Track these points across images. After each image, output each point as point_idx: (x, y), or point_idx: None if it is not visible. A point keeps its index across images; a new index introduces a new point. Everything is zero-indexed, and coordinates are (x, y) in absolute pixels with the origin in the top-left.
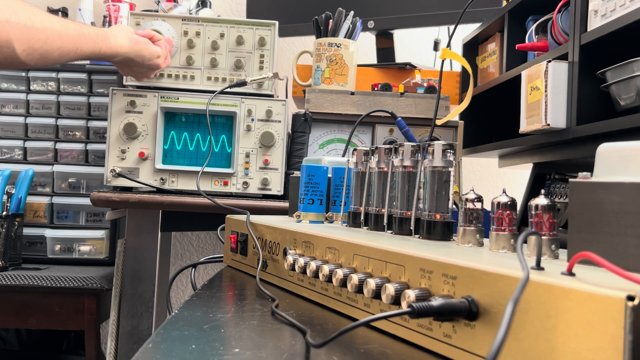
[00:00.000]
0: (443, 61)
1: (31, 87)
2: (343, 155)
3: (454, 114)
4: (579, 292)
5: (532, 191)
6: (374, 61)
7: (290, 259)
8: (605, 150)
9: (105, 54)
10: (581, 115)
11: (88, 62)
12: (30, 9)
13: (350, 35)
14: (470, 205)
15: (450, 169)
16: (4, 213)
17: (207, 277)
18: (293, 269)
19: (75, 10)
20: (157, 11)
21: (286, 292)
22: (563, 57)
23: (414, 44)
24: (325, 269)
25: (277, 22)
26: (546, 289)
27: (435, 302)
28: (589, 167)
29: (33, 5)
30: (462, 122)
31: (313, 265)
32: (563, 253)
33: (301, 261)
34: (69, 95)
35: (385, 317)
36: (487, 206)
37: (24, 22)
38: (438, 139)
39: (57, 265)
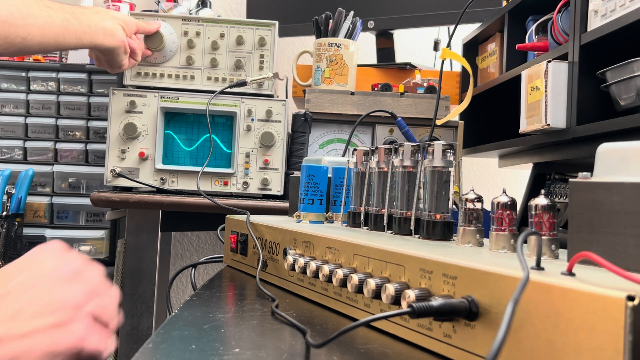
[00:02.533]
0: (443, 61)
1: (31, 87)
2: (343, 155)
3: (454, 114)
4: (579, 292)
5: (532, 191)
6: (374, 61)
7: (290, 259)
8: (605, 150)
9: (88, 47)
10: (581, 115)
11: (88, 62)
12: (16, 1)
13: (350, 35)
14: (470, 205)
15: (450, 169)
16: (4, 213)
17: (207, 277)
18: (293, 269)
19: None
20: (157, 11)
21: (286, 292)
22: (563, 57)
23: (414, 44)
24: (325, 269)
25: (277, 22)
26: (546, 289)
27: (435, 302)
28: (589, 167)
29: None
30: (462, 122)
31: (313, 265)
32: (563, 253)
33: (301, 261)
34: (69, 95)
35: (385, 317)
36: (487, 206)
37: (4, 18)
38: (438, 139)
39: None
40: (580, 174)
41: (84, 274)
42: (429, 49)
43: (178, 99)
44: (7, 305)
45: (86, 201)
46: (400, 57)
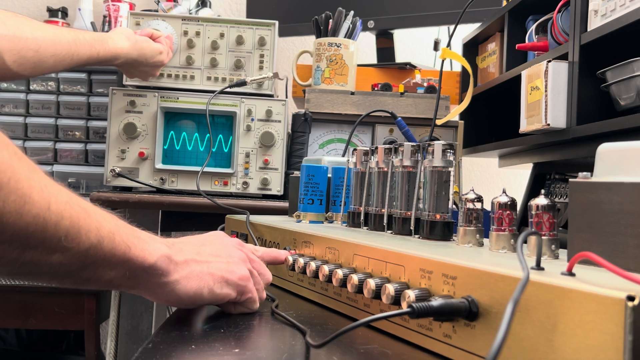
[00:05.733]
0: (443, 61)
1: (31, 87)
2: (343, 155)
3: (454, 114)
4: (579, 292)
5: (532, 191)
6: (374, 61)
7: (290, 259)
8: (605, 150)
9: (104, 57)
10: (581, 115)
11: None
12: (20, 19)
13: (350, 35)
14: (470, 205)
15: (450, 169)
16: None
17: None
18: (293, 269)
19: (75, 10)
20: (157, 11)
21: (286, 292)
22: (563, 57)
23: (414, 44)
24: (325, 269)
25: (277, 22)
26: (546, 289)
27: (435, 302)
28: (589, 167)
29: (27, 17)
30: (462, 122)
31: (313, 265)
32: (563, 253)
33: (301, 261)
34: (69, 95)
35: (385, 317)
36: (487, 206)
37: (12, 33)
38: (438, 139)
39: None
40: (580, 174)
41: (244, 247)
42: (429, 48)
43: (178, 98)
44: (191, 246)
45: None
46: (400, 57)
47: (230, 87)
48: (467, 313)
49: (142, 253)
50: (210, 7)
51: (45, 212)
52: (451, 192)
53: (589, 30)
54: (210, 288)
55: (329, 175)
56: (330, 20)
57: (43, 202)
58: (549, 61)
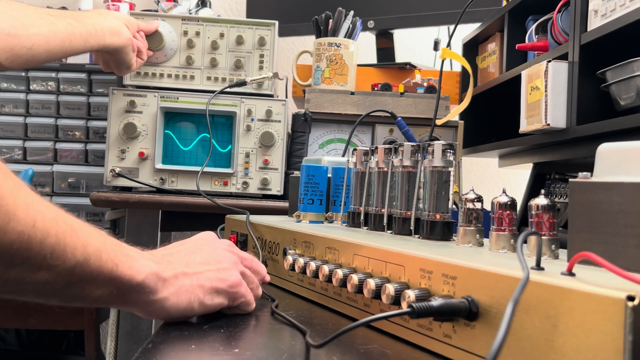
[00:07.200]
0: (443, 61)
1: (31, 87)
2: (343, 155)
3: (454, 114)
4: (579, 292)
5: (532, 191)
6: (374, 61)
7: (290, 259)
8: (605, 150)
9: (97, 50)
10: (581, 115)
11: (87, 61)
12: (16, 14)
13: (350, 35)
14: (470, 205)
15: (450, 169)
16: None
17: None
18: (293, 269)
19: (75, 10)
20: (157, 11)
21: (286, 292)
22: (563, 57)
23: (414, 44)
24: (325, 269)
25: (277, 22)
26: (546, 289)
27: (435, 302)
28: (589, 167)
29: (25, 5)
30: (462, 122)
31: (313, 265)
32: (563, 253)
33: (301, 261)
34: (69, 95)
35: (385, 317)
36: (487, 206)
37: (7, 31)
38: (438, 139)
39: None
40: (580, 174)
41: (234, 248)
42: (429, 48)
43: (178, 98)
44: (180, 257)
45: (86, 201)
46: (400, 57)
47: (230, 87)
48: (467, 313)
49: (129, 271)
50: (210, 7)
51: (30, 229)
52: (451, 192)
53: (589, 30)
54: (201, 300)
55: (329, 175)
56: (330, 20)
57: (28, 219)
58: (549, 61)
